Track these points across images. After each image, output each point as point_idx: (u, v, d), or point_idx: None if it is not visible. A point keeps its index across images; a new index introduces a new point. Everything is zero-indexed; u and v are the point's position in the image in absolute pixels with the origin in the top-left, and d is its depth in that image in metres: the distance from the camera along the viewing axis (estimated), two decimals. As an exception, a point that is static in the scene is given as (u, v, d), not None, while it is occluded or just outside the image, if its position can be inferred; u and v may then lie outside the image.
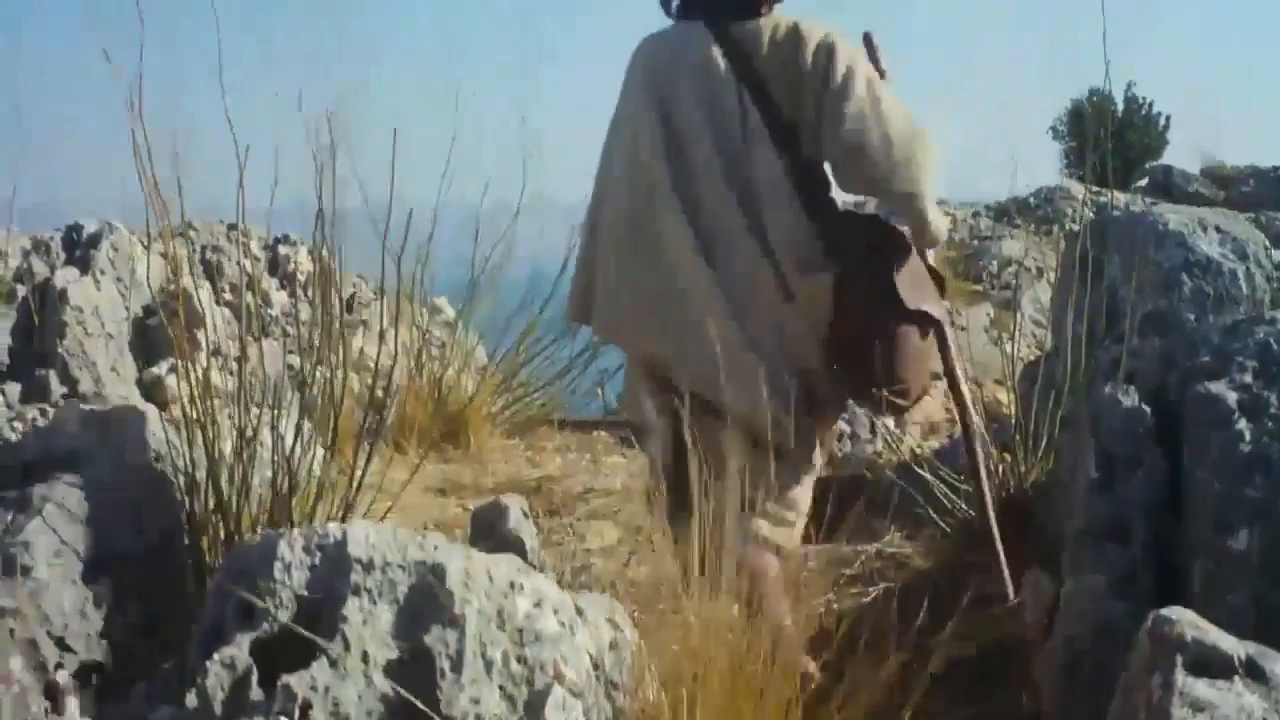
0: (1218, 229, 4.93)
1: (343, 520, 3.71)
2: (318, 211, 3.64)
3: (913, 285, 3.20)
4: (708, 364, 2.90)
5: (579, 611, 2.33)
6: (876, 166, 3.13)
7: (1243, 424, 3.10)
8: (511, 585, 2.22)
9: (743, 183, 3.15)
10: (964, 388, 3.64)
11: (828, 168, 3.24)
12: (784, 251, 3.14)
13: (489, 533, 3.60)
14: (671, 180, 3.18)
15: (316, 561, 2.18)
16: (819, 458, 3.42)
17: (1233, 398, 3.18)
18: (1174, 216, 5.00)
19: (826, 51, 3.14)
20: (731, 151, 3.17)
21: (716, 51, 3.19)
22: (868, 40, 3.43)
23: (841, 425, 6.36)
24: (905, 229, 3.24)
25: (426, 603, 2.14)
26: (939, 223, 3.28)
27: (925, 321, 3.26)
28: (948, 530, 4.23)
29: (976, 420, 3.69)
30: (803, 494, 3.38)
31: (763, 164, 3.16)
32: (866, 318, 3.14)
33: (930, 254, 3.34)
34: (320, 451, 3.78)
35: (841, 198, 3.30)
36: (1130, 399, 3.39)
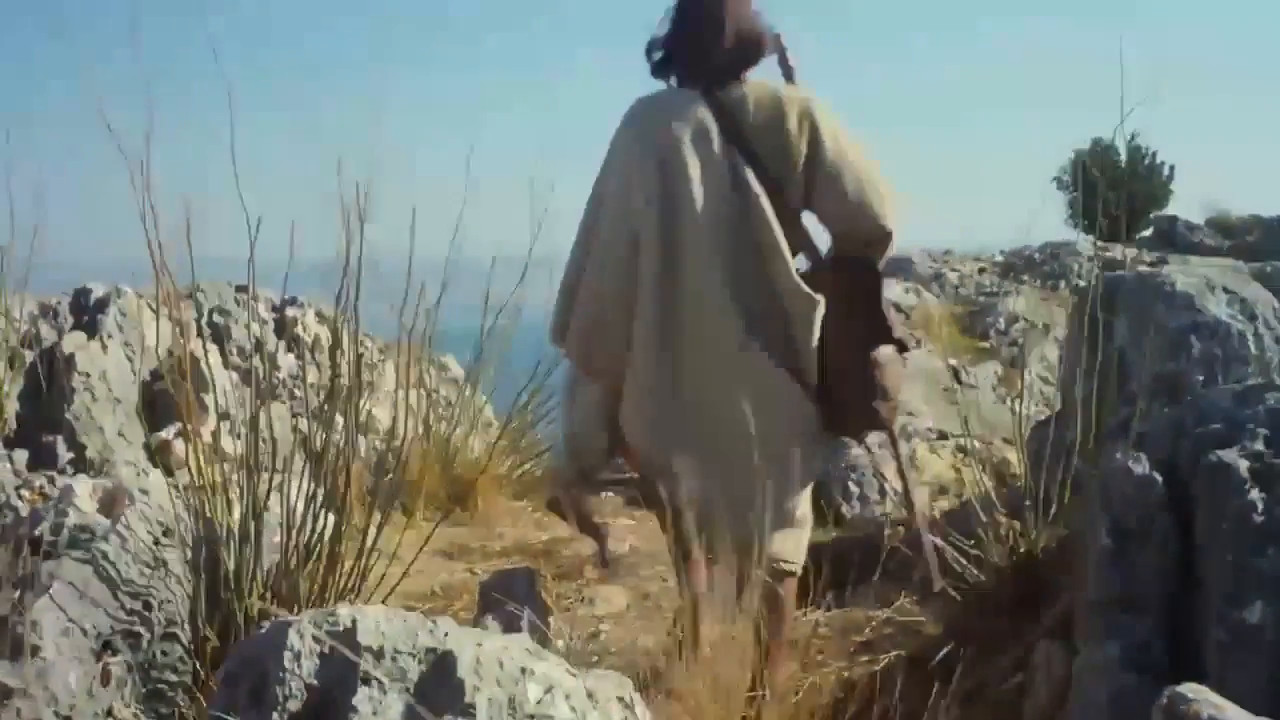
0: (1225, 289, 4.93)
1: (355, 589, 3.70)
2: (340, 288, 3.69)
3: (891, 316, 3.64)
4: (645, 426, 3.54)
5: (590, 695, 2.31)
6: (873, 215, 3.53)
7: (1255, 493, 3.07)
8: (523, 671, 2.20)
9: (742, 232, 3.49)
10: (901, 452, 3.89)
11: (814, 217, 3.61)
12: (784, 286, 3.48)
13: (498, 603, 3.59)
14: (659, 236, 3.49)
15: (326, 650, 2.17)
16: (809, 484, 3.67)
17: (1244, 466, 3.16)
18: (1182, 278, 5.00)
19: (810, 119, 3.51)
20: (722, 204, 3.49)
21: (708, 114, 3.53)
22: (777, 39, 3.73)
23: (850, 487, 6.35)
24: (866, 274, 3.63)
25: (437, 692, 2.12)
26: (894, 242, 3.68)
27: (902, 346, 3.60)
28: (958, 597, 4.20)
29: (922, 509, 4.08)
30: (806, 512, 3.66)
31: (752, 214, 3.48)
32: (856, 347, 3.48)
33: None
34: (330, 519, 3.76)
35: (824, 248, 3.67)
36: (1141, 466, 3.37)
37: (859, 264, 3.59)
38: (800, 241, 3.60)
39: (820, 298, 3.47)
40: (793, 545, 3.57)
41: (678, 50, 3.67)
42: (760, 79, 3.63)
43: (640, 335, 3.52)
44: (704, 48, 3.60)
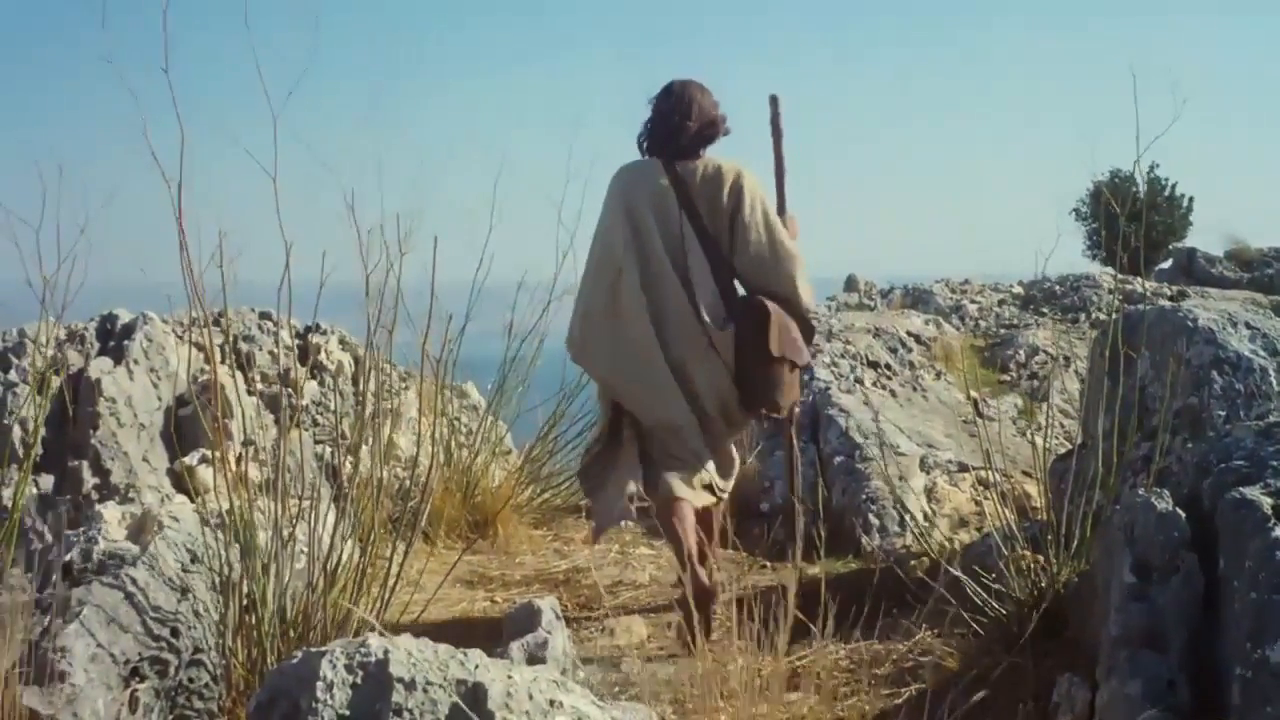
0: (1248, 325, 4.94)
1: (378, 617, 3.72)
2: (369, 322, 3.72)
3: (780, 340, 4.76)
4: (641, 395, 4.85)
5: (617, 727, 2.33)
6: (770, 269, 4.81)
7: (1279, 531, 3.07)
8: (551, 703, 2.22)
9: (682, 270, 4.77)
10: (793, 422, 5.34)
11: (736, 265, 4.84)
12: (708, 315, 4.75)
13: (522, 634, 3.61)
14: (637, 267, 4.78)
15: (359, 680, 2.19)
16: (735, 452, 5.15)
17: (1268, 503, 3.15)
18: (1203, 312, 5.01)
19: (738, 189, 4.80)
20: (674, 249, 4.79)
21: (665, 181, 4.83)
22: (774, 101, 5.23)
23: (870, 519, 6.36)
24: (770, 304, 4.79)
25: (468, 723, 2.13)
26: (808, 297, 4.93)
27: (791, 363, 4.83)
28: (980, 631, 4.20)
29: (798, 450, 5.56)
30: (736, 459, 5.13)
31: (695, 259, 4.79)
32: (754, 360, 4.75)
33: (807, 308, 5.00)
34: (354, 547, 3.78)
35: (740, 287, 4.92)
36: (1164, 503, 3.38)
37: (758, 304, 4.79)
38: (729, 279, 4.86)
39: (728, 331, 4.73)
40: (721, 473, 4.95)
41: (654, 134, 4.94)
42: (711, 155, 4.92)
43: (638, 338, 4.78)
44: (673, 134, 4.88)
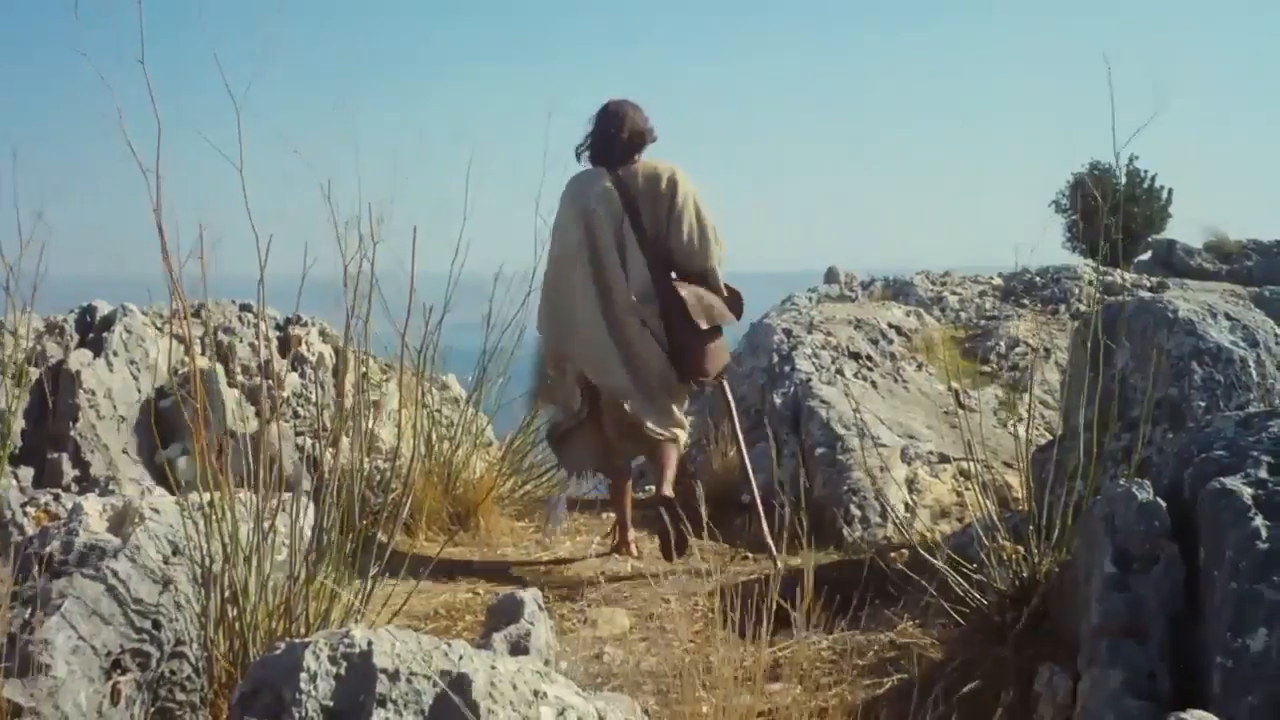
0: (1228, 316, 4.96)
1: (360, 609, 3.71)
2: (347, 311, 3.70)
3: (703, 313, 5.71)
4: (593, 364, 5.74)
5: (600, 718, 2.33)
6: (697, 254, 5.75)
7: (1259, 520, 3.08)
8: (535, 694, 2.22)
9: (624, 257, 5.68)
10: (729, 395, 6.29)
11: (672, 250, 5.72)
12: (637, 296, 5.65)
13: (504, 626, 3.60)
14: (588, 256, 5.70)
15: (342, 671, 2.18)
16: (682, 406, 6.00)
17: (1248, 493, 3.17)
18: (1184, 304, 5.03)
19: (672, 185, 5.73)
20: (619, 242, 5.69)
21: (610, 185, 5.74)
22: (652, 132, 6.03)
23: (852, 510, 6.37)
24: (684, 287, 5.75)
25: (452, 714, 2.13)
26: (720, 273, 5.84)
27: (715, 333, 5.82)
28: (961, 621, 4.21)
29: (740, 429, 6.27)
30: (680, 417, 5.95)
31: (632, 249, 5.69)
32: (684, 335, 5.69)
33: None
34: (336, 538, 3.77)
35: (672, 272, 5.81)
36: (1145, 493, 3.39)
37: (678, 289, 5.69)
38: (664, 265, 5.73)
39: (654, 304, 5.65)
40: (664, 425, 5.78)
41: (594, 146, 5.87)
42: (648, 159, 5.87)
43: (588, 319, 5.68)
44: (608, 144, 5.82)
